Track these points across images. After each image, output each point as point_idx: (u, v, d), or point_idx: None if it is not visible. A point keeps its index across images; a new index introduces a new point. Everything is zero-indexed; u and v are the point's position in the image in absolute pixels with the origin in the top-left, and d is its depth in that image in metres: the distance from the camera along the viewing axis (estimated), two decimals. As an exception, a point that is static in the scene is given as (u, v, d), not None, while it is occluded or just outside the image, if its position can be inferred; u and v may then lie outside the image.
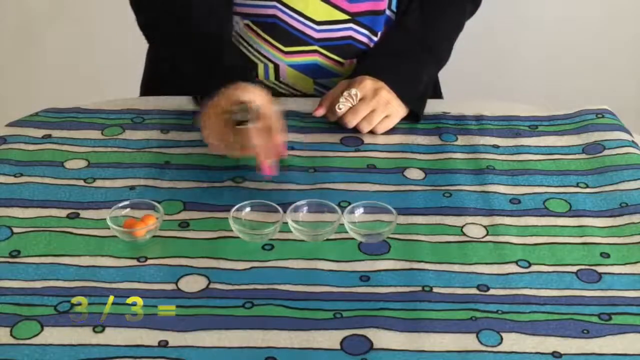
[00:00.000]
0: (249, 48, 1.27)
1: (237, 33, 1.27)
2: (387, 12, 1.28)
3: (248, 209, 1.01)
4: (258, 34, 1.26)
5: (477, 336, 0.86)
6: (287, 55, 1.27)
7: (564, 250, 0.99)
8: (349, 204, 1.02)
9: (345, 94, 1.17)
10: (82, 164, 1.11)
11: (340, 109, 1.17)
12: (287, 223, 0.99)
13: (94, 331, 0.86)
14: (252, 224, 1.00)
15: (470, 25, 1.35)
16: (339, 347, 0.85)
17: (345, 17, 1.25)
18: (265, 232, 0.98)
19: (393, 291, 0.92)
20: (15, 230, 0.99)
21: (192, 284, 0.92)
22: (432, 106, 1.26)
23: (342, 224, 0.99)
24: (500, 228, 1.02)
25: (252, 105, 1.02)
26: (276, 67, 1.28)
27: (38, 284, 0.91)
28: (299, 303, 0.90)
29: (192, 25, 1.17)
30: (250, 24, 1.25)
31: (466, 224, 1.02)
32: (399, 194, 1.07)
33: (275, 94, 1.30)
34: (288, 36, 1.25)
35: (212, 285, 0.92)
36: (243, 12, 1.25)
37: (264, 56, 1.27)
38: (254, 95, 1.04)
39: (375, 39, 1.29)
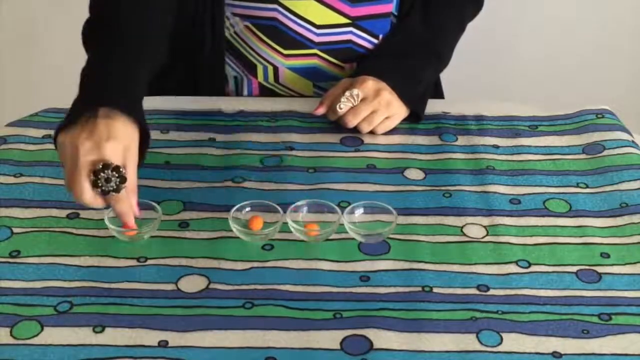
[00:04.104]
0: (249, 49, 1.27)
1: (237, 34, 1.27)
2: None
3: (248, 209, 1.01)
4: (258, 36, 1.25)
5: (477, 336, 0.86)
6: (286, 58, 1.27)
7: (564, 250, 0.99)
8: (349, 204, 1.02)
9: (347, 93, 1.17)
10: (82, 164, 1.11)
11: (341, 108, 1.17)
12: (287, 223, 0.99)
13: (94, 331, 0.86)
14: (252, 224, 1.00)
15: (470, 25, 1.35)
16: (339, 347, 0.85)
17: (346, 21, 1.25)
18: (265, 232, 0.98)
19: (393, 291, 0.92)
20: (15, 230, 0.99)
21: (192, 284, 0.92)
22: (432, 106, 1.26)
23: (342, 224, 0.99)
24: (500, 228, 1.02)
25: (123, 175, 0.93)
26: (275, 70, 1.28)
27: (38, 284, 0.91)
28: (299, 303, 0.90)
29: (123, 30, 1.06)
30: (250, 26, 1.25)
31: (466, 224, 1.02)
32: (399, 194, 1.07)
33: (275, 95, 1.30)
34: (288, 39, 1.25)
35: (212, 285, 0.92)
36: (243, 14, 1.25)
37: (264, 58, 1.27)
38: (120, 150, 0.94)
39: (377, 42, 1.29)
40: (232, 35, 1.27)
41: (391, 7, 1.28)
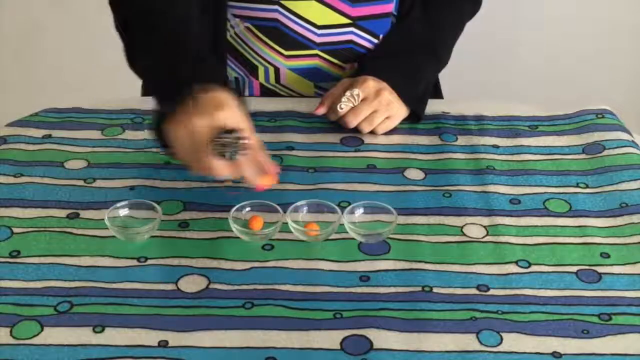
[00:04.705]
0: (249, 51, 1.27)
1: (237, 35, 1.27)
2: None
3: (248, 209, 1.01)
4: (259, 37, 1.25)
5: (477, 336, 0.86)
6: (287, 58, 1.27)
7: (564, 250, 0.99)
8: (349, 204, 1.02)
9: (347, 93, 1.17)
10: (82, 164, 1.11)
11: (341, 108, 1.17)
12: (287, 223, 0.99)
13: (94, 331, 0.86)
14: (252, 224, 1.00)
15: (470, 25, 1.35)
16: (339, 347, 0.85)
17: (347, 21, 1.25)
18: (265, 232, 0.98)
19: (393, 291, 0.92)
20: (15, 230, 0.99)
21: (192, 284, 0.92)
22: (432, 106, 1.26)
23: (342, 224, 0.99)
24: (500, 228, 1.02)
25: (242, 136, 0.94)
26: (276, 71, 1.28)
27: (38, 284, 0.91)
28: (299, 303, 0.90)
29: (164, 18, 1.08)
30: (251, 27, 1.25)
31: (466, 224, 1.02)
32: (399, 194, 1.07)
33: (276, 96, 1.30)
34: (289, 40, 1.25)
35: (212, 286, 0.92)
36: (244, 15, 1.25)
37: (265, 59, 1.27)
38: (234, 114, 0.96)
39: (377, 42, 1.29)
40: (233, 36, 1.27)
41: (392, 7, 1.28)
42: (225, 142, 0.93)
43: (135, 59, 1.10)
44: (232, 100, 0.97)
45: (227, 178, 0.97)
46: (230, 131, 0.94)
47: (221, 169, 0.95)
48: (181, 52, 1.03)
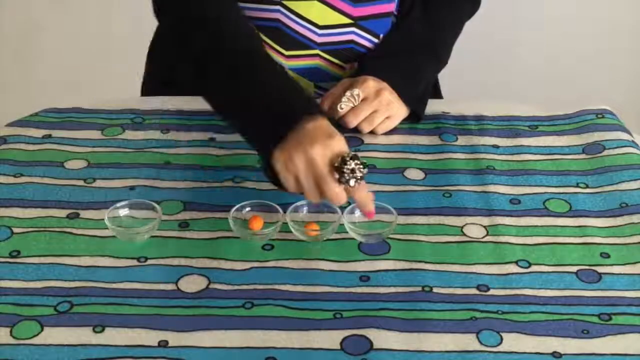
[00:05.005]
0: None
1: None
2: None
3: (248, 209, 1.01)
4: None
5: (477, 336, 0.86)
6: (288, 58, 1.27)
7: (564, 250, 0.99)
8: (349, 204, 1.02)
9: (347, 94, 1.17)
10: (82, 164, 1.11)
11: (342, 108, 1.17)
12: (287, 223, 0.99)
13: (94, 331, 0.86)
14: (252, 224, 1.00)
15: (470, 25, 1.35)
16: (339, 347, 0.85)
17: (348, 21, 1.25)
18: (265, 232, 0.98)
19: (393, 291, 0.92)
20: (15, 230, 0.99)
21: (192, 284, 0.92)
22: (432, 106, 1.26)
23: (342, 224, 0.99)
24: (500, 228, 1.02)
25: (363, 162, 0.95)
26: None
27: (38, 284, 0.91)
28: (299, 303, 0.90)
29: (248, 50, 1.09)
30: (252, 28, 1.25)
31: (466, 224, 1.02)
32: (399, 194, 1.07)
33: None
34: (290, 40, 1.25)
35: (212, 286, 0.92)
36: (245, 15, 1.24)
37: (265, 59, 1.27)
38: (343, 141, 0.96)
39: (378, 42, 1.29)
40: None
41: (393, 7, 1.28)
42: (350, 168, 0.94)
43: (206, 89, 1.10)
44: (335, 129, 0.98)
45: (344, 204, 0.97)
46: (352, 156, 0.94)
47: (343, 195, 0.95)
48: (273, 83, 1.04)
